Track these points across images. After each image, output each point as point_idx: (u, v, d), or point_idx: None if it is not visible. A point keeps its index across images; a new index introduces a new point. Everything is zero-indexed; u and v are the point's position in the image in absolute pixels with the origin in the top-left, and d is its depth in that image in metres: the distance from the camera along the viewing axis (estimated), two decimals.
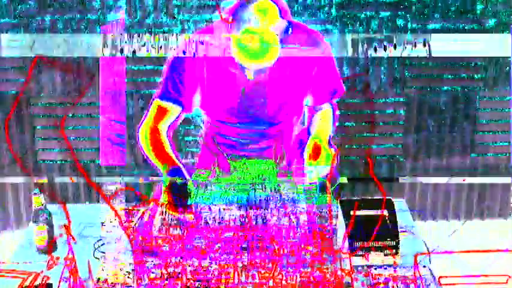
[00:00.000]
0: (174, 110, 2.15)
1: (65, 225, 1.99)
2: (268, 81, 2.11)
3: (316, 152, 2.00)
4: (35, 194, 1.94)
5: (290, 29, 1.99)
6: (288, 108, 2.21)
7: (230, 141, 2.26)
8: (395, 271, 1.78)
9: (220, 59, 2.04)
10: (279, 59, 1.99)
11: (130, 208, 2.10)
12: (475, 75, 3.14)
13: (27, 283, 1.76)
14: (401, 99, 3.17)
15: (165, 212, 1.96)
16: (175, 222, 1.94)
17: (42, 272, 1.81)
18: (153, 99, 2.15)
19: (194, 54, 2.09)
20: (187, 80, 2.12)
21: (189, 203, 1.95)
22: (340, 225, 1.89)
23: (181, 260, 1.78)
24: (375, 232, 1.82)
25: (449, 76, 3.14)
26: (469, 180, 3.35)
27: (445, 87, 3.16)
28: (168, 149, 2.14)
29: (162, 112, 2.15)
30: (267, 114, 2.19)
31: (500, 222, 3.42)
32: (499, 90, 3.17)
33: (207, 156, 2.32)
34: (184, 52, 2.10)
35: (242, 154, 2.25)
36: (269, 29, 1.89)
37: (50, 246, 1.95)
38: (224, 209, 2.01)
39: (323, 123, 2.24)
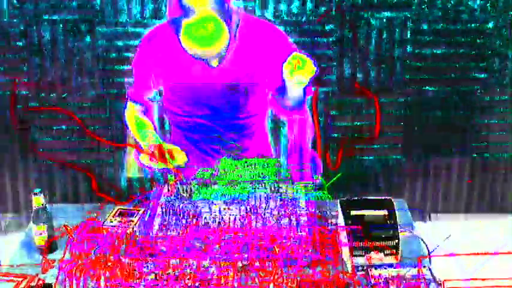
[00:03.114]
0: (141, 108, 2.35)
1: (65, 226, 1.99)
2: (227, 69, 2.14)
3: (296, 64, 2.00)
4: (35, 194, 1.93)
5: (237, 19, 2.05)
6: (250, 100, 2.24)
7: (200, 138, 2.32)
8: (395, 271, 1.78)
9: (178, 54, 2.10)
10: (237, 48, 2.06)
11: (130, 208, 2.10)
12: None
13: (22, 285, 1.75)
14: (402, 99, 3.17)
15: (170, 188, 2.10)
16: (175, 222, 1.95)
17: (37, 274, 1.80)
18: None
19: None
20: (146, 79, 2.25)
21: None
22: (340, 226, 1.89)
23: (181, 260, 1.78)
24: (375, 232, 1.82)
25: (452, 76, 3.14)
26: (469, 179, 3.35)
27: (446, 87, 3.17)
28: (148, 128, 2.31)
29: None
30: (230, 105, 2.23)
31: (500, 222, 3.42)
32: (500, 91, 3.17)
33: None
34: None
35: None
36: (209, 14, 1.92)
37: (50, 246, 1.95)
38: (224, 209, 2.01)
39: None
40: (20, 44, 3.02)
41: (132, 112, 2.36)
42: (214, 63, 2.09)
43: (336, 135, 3.20)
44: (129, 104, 2.36)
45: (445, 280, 1.73)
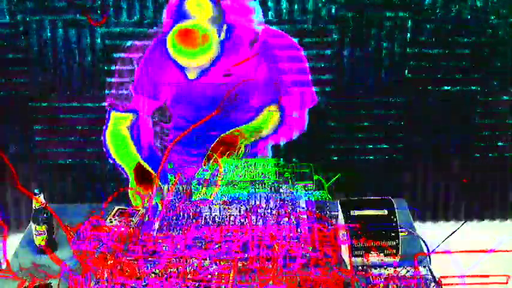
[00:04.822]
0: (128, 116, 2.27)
1: (65, 225, 1.99)
2: (209, 82, 2.10)
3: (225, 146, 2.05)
4: (35, 194, 1.94)
5: (230, 27, 1.99)
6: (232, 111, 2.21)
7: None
8: (395, 271, 1.78)
9: (162, 61, 2.05)
10: (222, 60, 1.99)
11: (130, 208, 2.11)
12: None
13: (26, 284, 1.75)
14: (403, 99, 3.17)
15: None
16: (175, 222, 1.95)
17: (40, 273, 1.80)
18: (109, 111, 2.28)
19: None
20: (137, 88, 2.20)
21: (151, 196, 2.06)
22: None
23: (181, 260, 1.78)
24: (375, 232, 1.83)
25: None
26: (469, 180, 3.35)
27: (446, 87, 3.17)
28: (130, 149, 2.23)
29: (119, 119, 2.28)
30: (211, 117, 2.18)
31: (500, 222, 3.42)
32: (500, 91, 3.17)
33: None
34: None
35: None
36: (202, 24, 1.87)
37: (50, 246, 1.95)
38: (224, 209, 2.01)
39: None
40: (20, 44, 3.02)
41: (115, 127, 2.29)
42: (191, 76, 2.02)
43: (335, 136, 3.20)
44: (114, 116, 2.28)
45: (441, 277, 1.73)
